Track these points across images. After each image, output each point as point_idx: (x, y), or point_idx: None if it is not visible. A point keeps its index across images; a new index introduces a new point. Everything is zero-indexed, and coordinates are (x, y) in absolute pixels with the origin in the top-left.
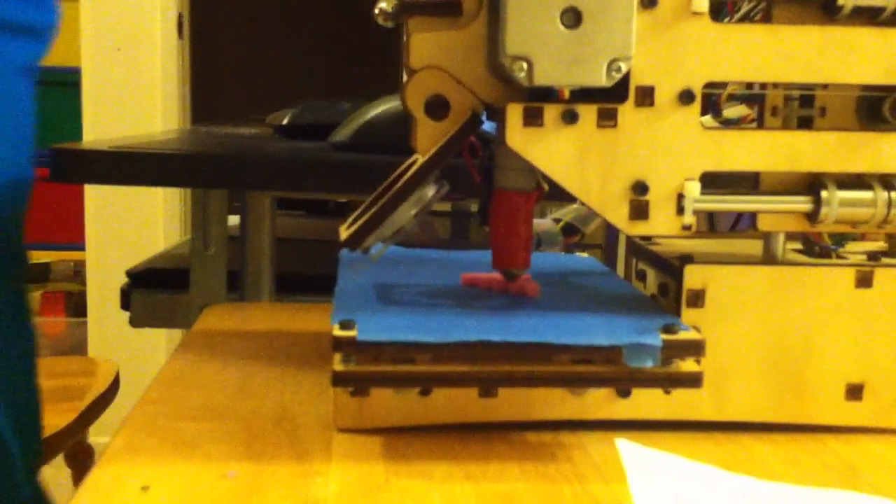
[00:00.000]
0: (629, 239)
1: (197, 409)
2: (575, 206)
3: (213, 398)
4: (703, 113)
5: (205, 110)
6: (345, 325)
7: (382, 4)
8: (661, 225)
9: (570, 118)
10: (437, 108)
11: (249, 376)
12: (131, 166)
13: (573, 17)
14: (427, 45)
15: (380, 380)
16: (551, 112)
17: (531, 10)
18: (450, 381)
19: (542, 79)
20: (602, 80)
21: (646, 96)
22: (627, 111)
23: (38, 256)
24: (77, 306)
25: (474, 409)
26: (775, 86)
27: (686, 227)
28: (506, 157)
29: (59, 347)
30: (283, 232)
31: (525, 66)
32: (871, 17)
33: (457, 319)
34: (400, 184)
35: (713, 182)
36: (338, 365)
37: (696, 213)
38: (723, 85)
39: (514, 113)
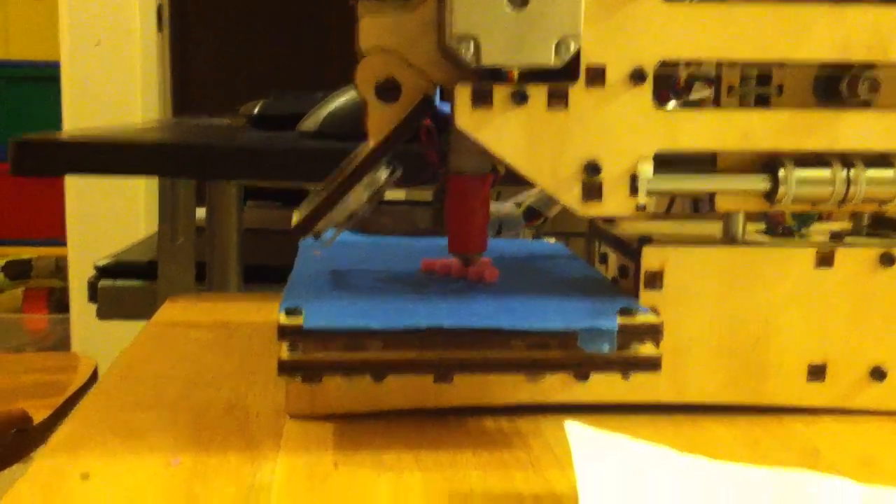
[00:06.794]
0: (591, 222)
1: (147, 399)
2: (537, 189)
3: (165, 389)
4: (667, 99)
5: (186, 103)
6: (291, 313)
7: None
8: (616, 205)
9: (520, 99)
10: (388, 91)
11: (205, 367)
12: (92, 156)
13: None
14: (377, 27)
15: (328, 368)
16: (500, 93)
17: None
18: (401, 368)
19: (489, 59)
20: (550, 59)
21: (596, 76)
22: (578, 91)
23: (20, 252)
24: (59, 302)
25: (429, 395)
26: (731, 64)
27: (640, 208)
28: (459, 139)
29: (43, 344)
30: (254, 223)
31: (472, 46)
32: None
33: (409, 305)
34: (351, 168)
35: (671, 162)
36: (284, 353)
37: (652, 193)
38: (677, 64)
39: (463, 94)
